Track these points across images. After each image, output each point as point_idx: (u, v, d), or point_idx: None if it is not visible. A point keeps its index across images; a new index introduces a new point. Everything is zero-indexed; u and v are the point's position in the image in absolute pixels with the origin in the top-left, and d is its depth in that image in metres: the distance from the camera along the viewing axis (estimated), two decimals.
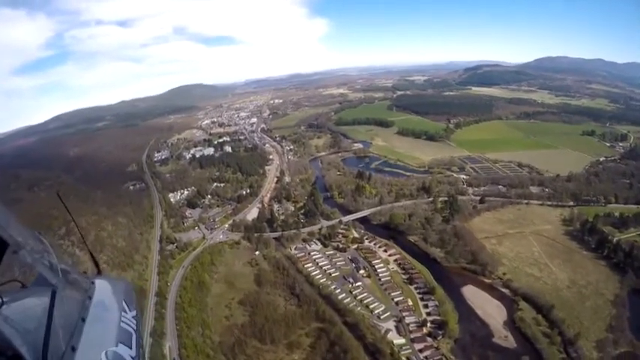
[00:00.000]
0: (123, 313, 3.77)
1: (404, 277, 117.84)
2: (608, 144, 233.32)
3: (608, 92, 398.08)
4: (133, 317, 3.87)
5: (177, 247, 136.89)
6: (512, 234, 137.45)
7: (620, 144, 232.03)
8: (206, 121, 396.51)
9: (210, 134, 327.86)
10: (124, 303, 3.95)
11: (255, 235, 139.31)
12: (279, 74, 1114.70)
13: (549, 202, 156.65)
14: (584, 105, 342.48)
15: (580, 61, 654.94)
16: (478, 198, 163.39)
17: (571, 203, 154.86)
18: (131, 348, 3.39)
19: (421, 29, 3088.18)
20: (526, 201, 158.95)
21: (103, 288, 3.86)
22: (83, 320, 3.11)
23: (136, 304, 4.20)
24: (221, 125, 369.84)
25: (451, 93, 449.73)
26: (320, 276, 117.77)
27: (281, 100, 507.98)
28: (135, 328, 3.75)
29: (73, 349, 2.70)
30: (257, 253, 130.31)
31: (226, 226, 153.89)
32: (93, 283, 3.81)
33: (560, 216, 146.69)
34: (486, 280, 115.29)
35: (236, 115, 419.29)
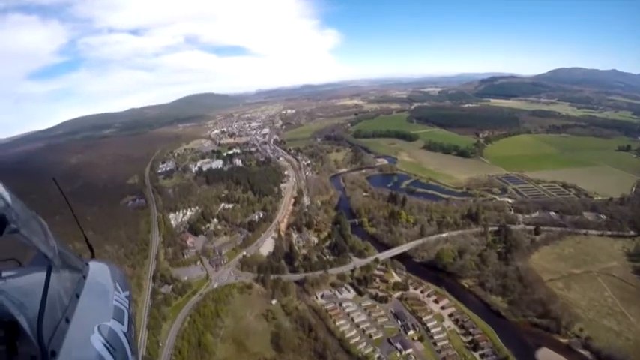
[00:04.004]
0: (116, 292, 3.99)
1: (464, 339, 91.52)
2: None
3: (630, 104, 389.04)
4: (125, 297, 4.08)
5: (173, 289, 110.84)
6: (578, 274, 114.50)
7: None
8: (215, 131, 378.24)
9: (220, 145, 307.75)
10: (116, 283, 4.17)
11: (272, 276, 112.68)
12: (290, 84, 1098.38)
13: (609, 232, 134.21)
14: (610, 117, 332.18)
15: (595, 72, 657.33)
16: (531, 227, 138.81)
17: (632, 233, 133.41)
18: (123, 324, 3.57)
19: (430, 41, 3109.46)
20: (584, 231, 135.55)
21: (96, 269, 4.09)
22: (77, 296, 3.30)
23: (128, 286, 4.41)
24: (231, 136, 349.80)
25: (470, 105, 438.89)
26: (358, 338, 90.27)
27: (293, 111, 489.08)
28: (127, 306, 3.94)
29: (68, 321, 2.86)
30: (274, 302, 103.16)
31: (236, 259, 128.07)
32: (87, 264, 4.01)
33: (623, 249, 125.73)
34: (562, 340, 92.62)
35: (247, 126, 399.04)
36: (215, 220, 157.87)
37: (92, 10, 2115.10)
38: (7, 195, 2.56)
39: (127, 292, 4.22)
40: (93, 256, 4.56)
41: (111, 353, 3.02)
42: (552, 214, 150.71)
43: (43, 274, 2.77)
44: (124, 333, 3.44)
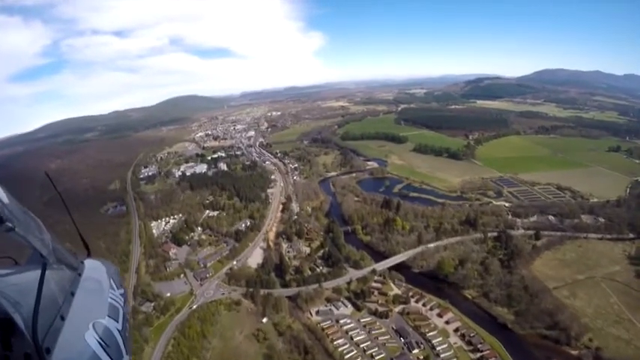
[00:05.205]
0: (111, 290, 4.00)
1: (473, 356, 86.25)
2: (637, 161, 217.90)
3: (616, 104, 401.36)
4: (120, 295, 4.11)
5: (155, 307, 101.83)
6: (582, 280, 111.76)
7: None
8: (200, 134, 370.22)
9: (204, 148, 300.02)
10: (111, 281, 4.18)
11: (262, 291, 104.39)
12: (275, 87, 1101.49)
13: (609, 235, 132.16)
14: (596, 118, 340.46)
15: (579, 73, 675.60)
16: (531, 232, 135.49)
17: (631, 235, 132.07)
18: (118, 322, 3.59)
19: (414, 43, 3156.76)
20: (584, 234, 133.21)
21: (92, 267, 4.08)
22: (72, 294, 3.31)
23: (123, 284, 4.41)
24: (216, 138, 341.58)
25: (457, 106, 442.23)
26: None
27: (279, 113, 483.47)
28: (122, 304, 3.98)
29: (62, 318, 2.88)
30: (265, 320, 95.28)
31: (222, 272, 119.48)
32: (82, 262, 4.00)
33: (624, 253, 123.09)
34: (572, 352, 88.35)
35: (232, 128, 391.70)
36: (199, 228, 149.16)
37: (76, 11, 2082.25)
38: (2, 194, 2.62)
39: (122, 290, 4.16)
40: (89, 255, 4.36)
41: (105, 350, 3.05)
42: (551, 217, 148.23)
43: (38, 273, 2.80)
44: (119, 330, 3.44)
